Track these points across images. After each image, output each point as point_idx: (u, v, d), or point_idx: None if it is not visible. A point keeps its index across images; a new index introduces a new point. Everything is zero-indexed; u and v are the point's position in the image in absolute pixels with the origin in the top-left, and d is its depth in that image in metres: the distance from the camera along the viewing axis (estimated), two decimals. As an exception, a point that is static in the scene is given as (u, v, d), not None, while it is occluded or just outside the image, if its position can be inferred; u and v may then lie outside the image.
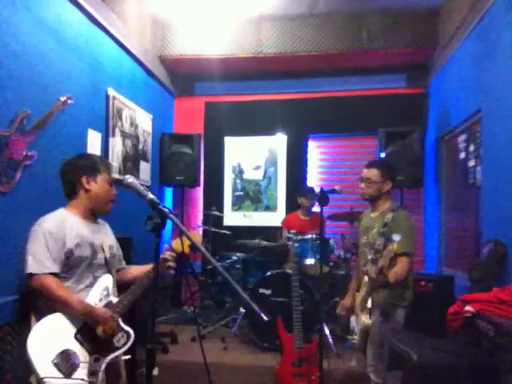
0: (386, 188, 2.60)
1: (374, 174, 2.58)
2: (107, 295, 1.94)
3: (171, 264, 2.02)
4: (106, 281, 1.98)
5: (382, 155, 4.57)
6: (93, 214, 2.06)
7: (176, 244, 2.05)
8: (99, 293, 1.93)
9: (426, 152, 4.77)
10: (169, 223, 1.37)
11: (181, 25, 4.88)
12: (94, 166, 2.01)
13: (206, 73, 5.31)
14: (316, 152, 5.46)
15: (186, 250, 1.95)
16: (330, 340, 3.59)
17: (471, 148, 3.94)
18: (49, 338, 1.75)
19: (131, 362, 1.98)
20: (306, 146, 5.36)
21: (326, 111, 5.24)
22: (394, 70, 5.15)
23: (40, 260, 1.81)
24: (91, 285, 1.94)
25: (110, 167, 2.11)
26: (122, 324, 1.92)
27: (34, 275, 1.81)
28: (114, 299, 1.96)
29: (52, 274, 1.83)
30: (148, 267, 2.05)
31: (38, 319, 1.81)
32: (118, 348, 1.87)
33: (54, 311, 1.82)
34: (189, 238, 1.43)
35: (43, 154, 2.85)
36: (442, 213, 4.72)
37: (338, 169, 5.39)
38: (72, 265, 1.90)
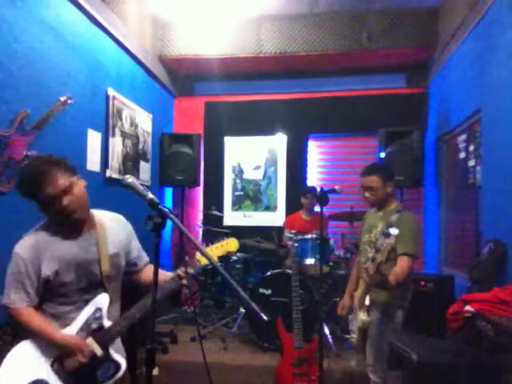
0: (389, 190, 2.62)
1: (373, 180, 2.58)
2: (99, 318, 1.69)
3: (185, 282, 1.76)
4: (100, 302, 1.72)
5: (382, 155, 4.57)
6: (73, 227, 1.72)
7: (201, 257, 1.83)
8: (88, 316, 1.69)
9: (426, 152, 4.77)
10: (169, 223, 1.36)
11: (181, 25, 4.89)
12: (32, 193, 1.64)
13: (206, 73, 5.32)
14: (316, 152, 5.46)
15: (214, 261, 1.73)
16: (330, 340, 3.60)
17: (471, 148, 3.94)
18: (23, 365, 1.60)
19: (131, 362, 1.87)
20: (306, 145, 5.36)
21: (326, 111, 5.24)
22: (394, 70, 5.15)
23: (13, 293, 1.64)
24: (81, 307, 1.70)
25: (48, 181, 1.60)
26: (113, 353, 1.69)
27: (8, 307, 1.67)
28: (107, 323, 1.70)
29: (28, 305, 1.65)
30: (165, 275, 1.79)
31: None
32: (101, 382, 1.65)
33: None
34: (189, 238, 1.42)
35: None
36: (441, 213, 4.72)
37: (338, 169, 5.39)
38: (54, 290, 1.68)
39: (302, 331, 3.02)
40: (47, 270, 1.64)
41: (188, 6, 4.52)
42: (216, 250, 1.87)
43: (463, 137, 4.19)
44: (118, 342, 1.80)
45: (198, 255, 1.81)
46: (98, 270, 1.73)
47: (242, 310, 4.03)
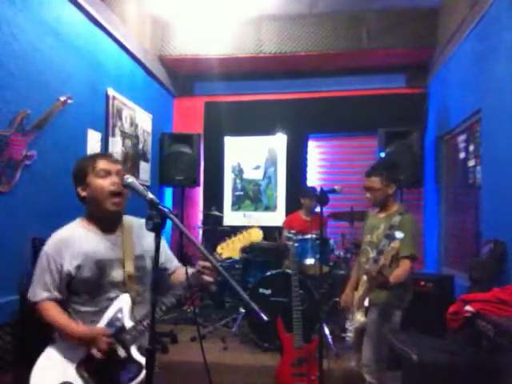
0: (391, 191, 2.61)
1: (374, 181, 2.59)
2: (120, 319, 1.68)
3: (208, 278, 1.67)
4: (122, 302, 1.70)
5: (382, 155, 4.57)
6: (110, 223, 1.79)
7: (223, 250, 1.72)
8: (110, 318, 1.68)
9: (426, 152, 4.77)
10: (169, 223, 1.36)
11: (181, 25, 4.89)
12: (81, 172, 1.76)
13: (206, 73, 5.32)
14: (316, 152, 5.46)
15: (236, 253, 1.71)
16: (330, 340, 3.59)
17: (471, 148, 3.94)
18: (50, 369, 1.64)
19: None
20: (306, 145, 5.36)
21: (326, 111, 5.24)
22: (394, 70, 5.16)
23: (35, 287, 1.71)
24: (104, 308, 1.70)
25: (99, 158, 1.77)
26: (135, 354, 1.65)
27: (30, 301, 1.72)
28: (129, 323, 1.68)
29: (45, 300, 1.69)
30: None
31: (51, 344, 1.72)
32: (126, 383, 1.63)
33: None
34: (189, 239, 1.42)
35: (43, 154, 2.86)
36: (441, 213, 4.72)
37: (338, 169, 5.39)
38: (78, 287, 1.71)
39: (302, 331, 3.01)
40: (69, 266, 1.68)
41: (188, 6, 4.52)
42: (238, 242, 1.75)
43: (463, 137, 4.19)
44: (144, 341, 1.71)
45: (219, 249, 1.73)
46: (121, 270, 1.74)
47: (242, 309, 4.03)
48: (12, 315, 2.40)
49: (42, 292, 1.69)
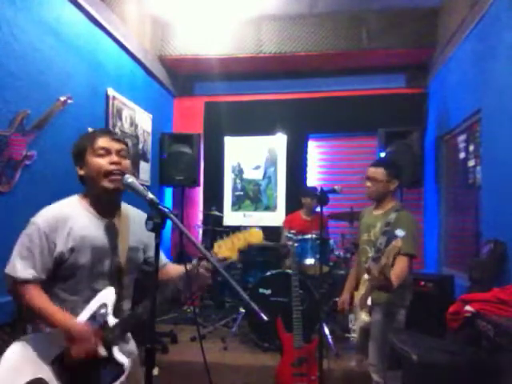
0: (392, 187, 2.60)
1: (380, 173, 2.57)
2: (104, 315, 1.54)
3: (208, 281, 1.60)
4: (107, 296, 1.57)
5: (382, 155, 4.57)
6: (107, 205, 1.64)
7: (219, 248, 1.62)
8: (92, 312, 1.54)
9: (426, 152, 4.77)
10: (169, 223, 1.36)
11: (181, 25, 4.89)
12: (79, 149, 1.62)
13: (206, 73, 5.32)
14: (316, 152, 5.46)
15: (233, 254, 1.60)
16: (330, 340, 3.60)
17: (471, 148, 3.94)
18: (22, 361, 1.48)
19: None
20: (306, 145, 5.37)
21: (326, 111, 5.24)
22: (394, 70, 5.16)
23: (20, 262, 1.51)
24: (89, 299, 1.56)
25: (99, 135, 1.63)
26: (117, 353, 1.53)
27: (10, 276, 1.52)
28: (112, 320, 1.55)
29: (30, 280, 1.50)
30: (179, 270, 1.69)
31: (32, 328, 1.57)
32: (105, 383, 1.50)
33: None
34: (189, 239, 1.41)
35: (43, 154, 2.86)
36: (441, 213, 4.72)
37: (338, 169, 5.39)
38: (65, 272, 1.55)
39: (302, 331, 3.02)
40: (62, 246, 1.52)
41: (188, 6, 4.52)
42: (236, 241, 1.64)
43: (463, 137, 4.19)
44: (128, 338, 1.68)
45: (216, 248, 1.62)
46: (113, 260, 1.62)
47: (242, 309, 4.03)
48: (12, 315, 2.40)
49: (27, 269, 1.50)
